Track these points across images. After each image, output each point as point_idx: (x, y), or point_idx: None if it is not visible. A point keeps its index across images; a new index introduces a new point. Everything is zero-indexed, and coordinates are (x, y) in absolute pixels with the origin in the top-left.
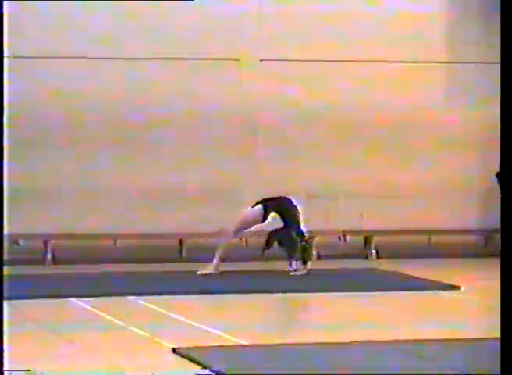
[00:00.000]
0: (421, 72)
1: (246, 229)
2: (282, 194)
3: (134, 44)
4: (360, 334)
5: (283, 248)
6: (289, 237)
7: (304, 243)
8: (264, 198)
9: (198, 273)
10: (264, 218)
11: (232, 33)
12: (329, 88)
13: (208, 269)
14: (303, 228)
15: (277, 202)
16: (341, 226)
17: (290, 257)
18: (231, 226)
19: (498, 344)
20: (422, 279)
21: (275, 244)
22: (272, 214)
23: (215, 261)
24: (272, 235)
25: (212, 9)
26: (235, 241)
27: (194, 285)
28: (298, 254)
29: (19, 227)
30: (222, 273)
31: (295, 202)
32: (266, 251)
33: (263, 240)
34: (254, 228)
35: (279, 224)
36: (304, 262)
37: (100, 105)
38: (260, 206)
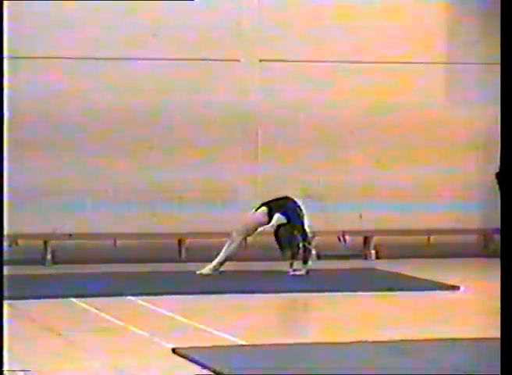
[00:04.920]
0: (421, 72)
1: (253, 232)
2: (283, 195)
3: (134, 44)
4: (360, 334)
5: (284, 250)
6: (290, 236)
7: (306, 243)
8: (268, 200)
9: (198, 272)
10: (270, 219)
11: (231, 33)
12: (329, 89)
13: (209, 269)
14: (307, 228)
15: (281, 203)
16: (341, 227)
17: (293, 257)
18: (236, 231)
19: (498, 344)
20: (422, 279)
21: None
22: (277, 215)
23: (216, 261)
24: (277, 237)
25: (212, 9)
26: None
27: (194, 285)
28: (299, 254)
29: (19, 227)
30: (221, 272)
31: (299, 202)
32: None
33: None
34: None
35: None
36: (305, 262)
37: (100, 105)
38: (264, 208)
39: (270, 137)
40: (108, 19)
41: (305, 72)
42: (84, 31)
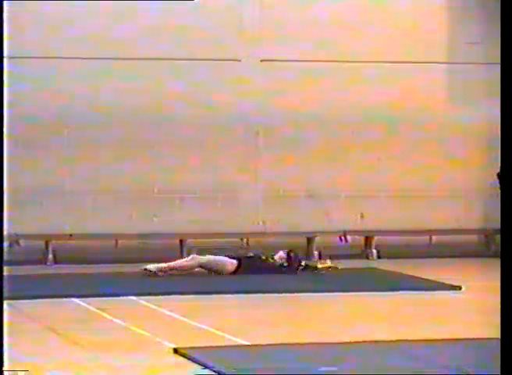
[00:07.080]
0: (422, 72)
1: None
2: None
3: (134, 44)
4: (360, 334)
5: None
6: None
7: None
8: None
9: (143, 267)
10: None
11: (232, 33)
12: (329, 89)
13: (155, 266)
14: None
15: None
16: (342, 226)
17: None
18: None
19: (498, 344)
20: (422, 279)
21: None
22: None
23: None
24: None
25: (212, 9)
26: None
27: (194, 285)
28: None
29: (19, 227)
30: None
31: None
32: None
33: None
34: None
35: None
36: (298, 266)
37: (100, 105)
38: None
39: (270, 137)
40: (108, 19)
41: (305, 72)
42: (84, 31)
